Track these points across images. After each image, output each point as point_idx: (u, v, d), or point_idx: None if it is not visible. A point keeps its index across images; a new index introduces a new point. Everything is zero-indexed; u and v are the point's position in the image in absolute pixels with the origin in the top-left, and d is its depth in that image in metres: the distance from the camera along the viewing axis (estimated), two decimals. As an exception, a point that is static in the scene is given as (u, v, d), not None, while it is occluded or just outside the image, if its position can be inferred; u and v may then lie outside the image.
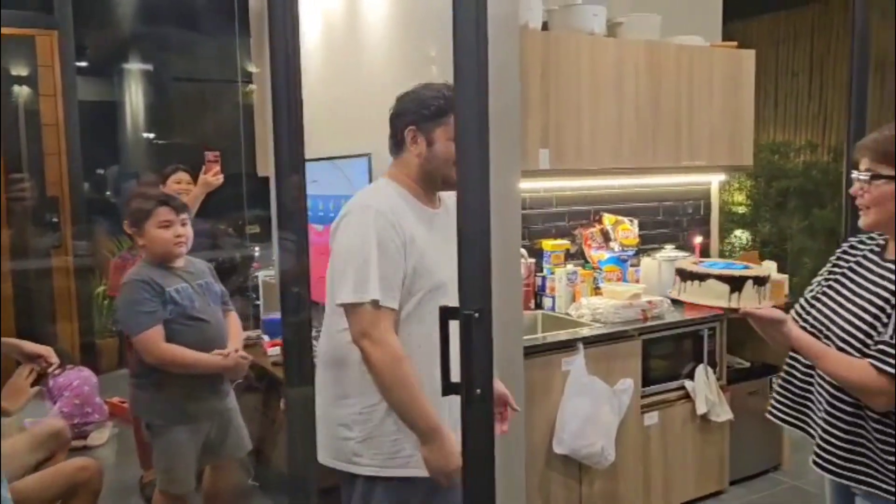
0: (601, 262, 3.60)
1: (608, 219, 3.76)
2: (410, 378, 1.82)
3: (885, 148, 1.66)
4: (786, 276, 3.77)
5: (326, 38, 3.80)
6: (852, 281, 1.77)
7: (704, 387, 3.37)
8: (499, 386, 1.95)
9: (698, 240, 3.97)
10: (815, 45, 6.73)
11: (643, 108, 3.42)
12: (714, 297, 1.73)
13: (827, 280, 1.85)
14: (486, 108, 1.53)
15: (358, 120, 3.55)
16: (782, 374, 1.90)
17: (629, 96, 3.38)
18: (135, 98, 7.53)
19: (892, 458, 1.64)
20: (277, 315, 3.86)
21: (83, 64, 6.49)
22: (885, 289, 1.67)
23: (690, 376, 3.40)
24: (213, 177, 3.72)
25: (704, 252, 4.18)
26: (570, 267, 3.53)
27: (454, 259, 1.98)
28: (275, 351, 3.63)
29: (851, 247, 1.85)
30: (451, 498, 2.06)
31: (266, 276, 4.78)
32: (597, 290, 3.52)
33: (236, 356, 2.67)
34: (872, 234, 1.82)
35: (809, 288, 1.90)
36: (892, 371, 1.57)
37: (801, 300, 1.89)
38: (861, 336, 1.66)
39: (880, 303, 1.66)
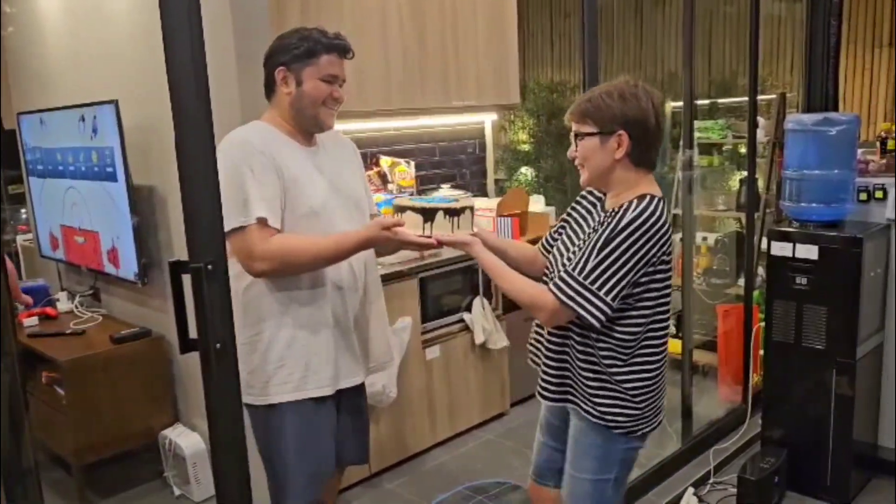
0: (378, 204, 3.62)
1: (385, 161, 3.78)
2: (299, 247, 1.87)
3: (582, 109, 1.79)
4: (551, 208, 4.02)
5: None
6: (580, 227, 1.91)
7: (481, 317, 3.53)
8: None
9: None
10: (584, -12, 7.09)
11: (409, 49, 3.43)
12: (412, 226, 1.84)
13: (565, 220, 1.98)
14: (201, 46, 1.45)
15: (103, 66, 3.28)
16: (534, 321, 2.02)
17: (394, 37, 3.37)
18: None
19: (588, 376, 1.84)
20: (35, 282, 3.55)
21: None
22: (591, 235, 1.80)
23: (469, 309, 3.55)
24: None
25: (482, 190, 4.35)
26: (347, 211, 3.52)
27: (330, 190, 1.97)
28: (32, 321, 3.35)
29: (590, 192, 1.96)
30: (350, 416, 2.14)
31: (25, 240, 4.36)
32: (375, 233, 3.55)
33: None
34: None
35: (554, 224, 2.03)
36: (562, 297, 1.73)
37: (547, 234, 2.02)
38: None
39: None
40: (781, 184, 3.16)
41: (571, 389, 1.88)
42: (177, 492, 3.14)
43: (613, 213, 1.75)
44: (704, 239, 4.36)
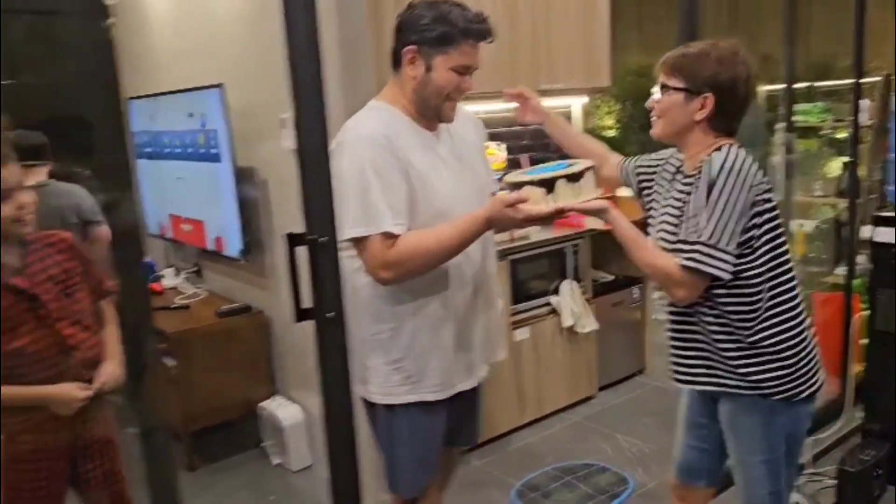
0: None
1: (475, 144, 3.81)
2: (422, 246, 1.77)
3: (674, 62, 1.76)
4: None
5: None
6: (668, 193, 1.85)
7: (570, 300, 3.54)
8: None
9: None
10: (674, -32, 6.93)
11: (500, 31, 3.41)
12: (535, 202, 1.71)
13: (649, 186, 1.96)
14: (314, 29, 1.51)
15: (206, 53, 3.42)
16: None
17: (487, 20, 3.38)
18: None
19: (728, 346, 1.76)
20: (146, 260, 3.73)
21: None
22: (681, 199, 1.77)
23: (556, 292, 3.56)
24: None
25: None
26: (438, 193, 3.58)
27: (457, 186, 1.91)
28: (143, 296, 3.54)
29: (674, 157, 1.91)
30: (465, 419, 2.09)
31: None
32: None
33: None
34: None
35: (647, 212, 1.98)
36: (694, 265, 1.67)
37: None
38: (668, 242, 1.77)
39: (677, 212, 1.77)
40: (886, 168, 3.04)
41: (714, 367, 1.81)
42: (274, 461, 3.28)
43: (699, 172, 1.71)
44: (801, 226, 4.23)
